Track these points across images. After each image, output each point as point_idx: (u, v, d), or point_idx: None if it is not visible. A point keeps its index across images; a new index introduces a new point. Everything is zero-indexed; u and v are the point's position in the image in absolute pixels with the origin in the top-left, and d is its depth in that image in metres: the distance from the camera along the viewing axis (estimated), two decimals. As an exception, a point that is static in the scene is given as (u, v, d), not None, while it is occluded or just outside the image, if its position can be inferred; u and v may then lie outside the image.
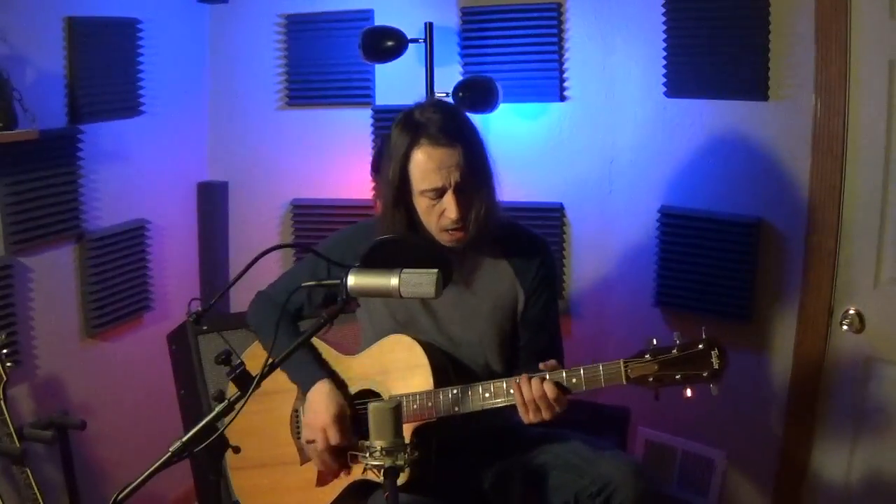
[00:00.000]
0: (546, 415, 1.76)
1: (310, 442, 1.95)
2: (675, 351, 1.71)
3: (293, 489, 2.02)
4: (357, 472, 1.94)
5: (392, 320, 2.01)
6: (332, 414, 1.92)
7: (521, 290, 2.01)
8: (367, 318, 2.09)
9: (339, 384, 2.00)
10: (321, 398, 1.94)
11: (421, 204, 1.91)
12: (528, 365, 2.02)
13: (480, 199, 1.90)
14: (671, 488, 2.89)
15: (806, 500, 2.60)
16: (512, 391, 1.80)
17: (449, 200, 1.87)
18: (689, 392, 1.72)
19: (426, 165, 1.87)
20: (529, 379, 1.77)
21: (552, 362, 1.79)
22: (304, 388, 1.99)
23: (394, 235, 1.72)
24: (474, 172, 1.89)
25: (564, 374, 1.77)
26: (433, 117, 1.89)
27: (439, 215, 1.90)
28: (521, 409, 1.78)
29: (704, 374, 1.70)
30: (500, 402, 1.83)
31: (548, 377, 1.77)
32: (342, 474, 1.97)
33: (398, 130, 1.93)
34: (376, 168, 2.98)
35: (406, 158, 1.89)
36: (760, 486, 2.73)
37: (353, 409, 1.98)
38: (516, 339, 2.04)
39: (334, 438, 1.91)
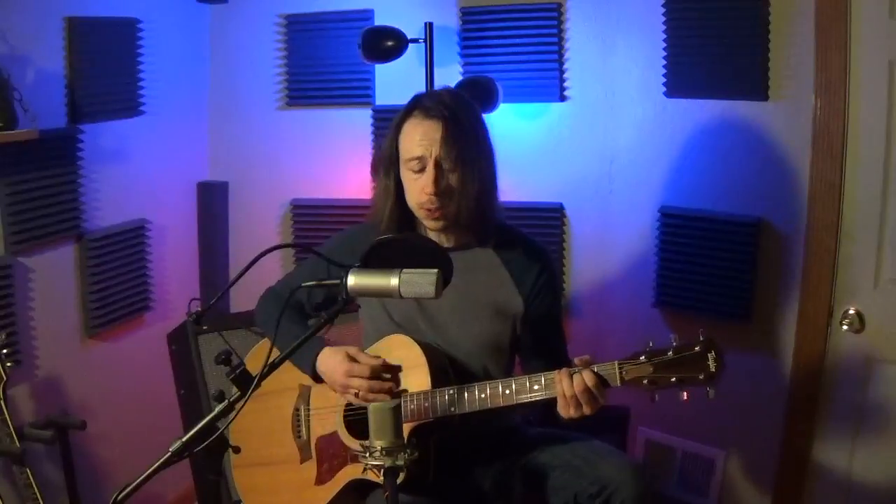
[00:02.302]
0: (587, 409, 1.73)
1: (356, 395, 1.91)
2: (670, 353, 1.69)
3: (292, 487, 2.02)
4: (356, 471, 1.94)
5: (390, 322, 2.01)
6: (342, 356, 1.91)
7: (519, 297, 2.00)
8: (367, 320, 2.10)
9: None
10: (327, 359, 1.94)
11: (406, 177, 1.94)
12: (530, 368, 2.03)
13: (465, 183, 1.91)
14: (671, 488, 2.89)
15: (806, 500, 2.60)
16: (507, 392, 1.80)
17: (427, 173, 1.89)
18: (685, 395, 1.70)
19: (412, 135, 1.92)
20: (571, 374, 1.73)
21: (587, 357, 1.76)
22: (309, 369, 1.97)
23: (394, 235, 1.72)
24: (458, 150, 1.89)
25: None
26: (428, 95, 1.97)
27: (419, 190, 1.91)
28: (561, 403, 1.75)
29: (700, 377, 1.67)
30: (496, 402, 1.81)
31: (594, 368, 1.73)
32: (388, 396, 1.90)
33: (400, 110, 2.00)
34: (376, 168, 2.98)
35: (398, 129, 1.95)
36: (761, 487, 2.73)
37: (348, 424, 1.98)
38: (515, 344, 2.04)
39: (361, 370, 1.88)
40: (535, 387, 1.79)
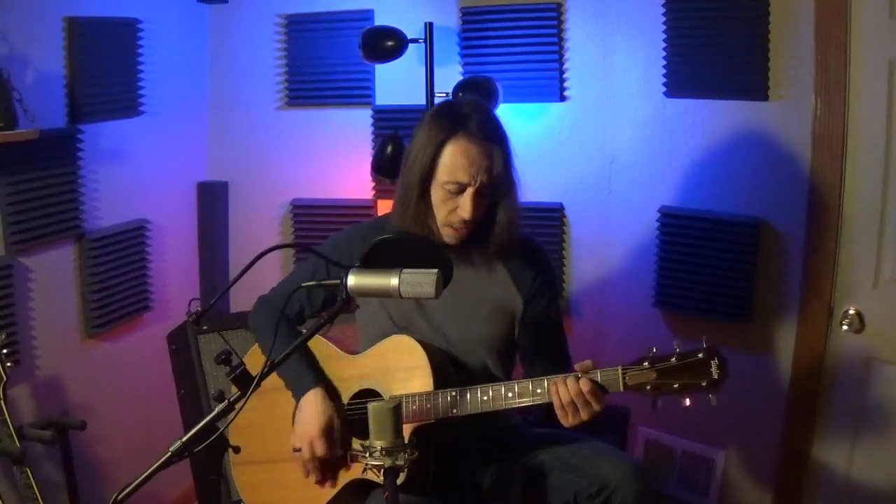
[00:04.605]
0: (584, 414, 1.73)
1: (296, 450, 1.95)
2: (674, 359, 1.70)
3: (293, 485, 2.02)
4: (357, 471, 1.94)
5: (389, 322, 2.01)
6: (320, 425, 1.91)
7: (518, 295, 2.01)
8: (365, 320, 2.10)
9: (333, 391, 1.99)
10: (312, 408, 1.94)
11: (437, 195, 1.91)
12: (532, 367, 2.03)
13: (506, 208, 1.93)
14: (671, 488, 2.89)
15: (806, 500, 2.60)
16: (510, 395, 1.80)
17: (466, 199, 1.88)
18: (687, 402, 1.71)
19: (458, 160, 1.87)
20: (565, 379, 1.74)
21: (588, 363, 1.76)
22: (296, 396, 1.98)
23: (394, 235, 1.72)
24: (500, 178, 1.90)
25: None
26: (474, 114, 1.90)
27: (451, 210, 1.90)
28: (559, 413, 1.75)
29: (703, 384, 1.68)
30: (498, 405, 1.82)
31: (598, 374, 1.74)
32: (327, 485, 1.97)
33: (435, 119, 1.92)
34: (377, 168, 2.98)
35: (440, 147, 1.88)
36: (761, 486, 2.73)
37: (345, 418, 1.97)
38: (515, 344, 2.04)
39: (320, 450, 1.91)
40: (538, 390, 1.79)
